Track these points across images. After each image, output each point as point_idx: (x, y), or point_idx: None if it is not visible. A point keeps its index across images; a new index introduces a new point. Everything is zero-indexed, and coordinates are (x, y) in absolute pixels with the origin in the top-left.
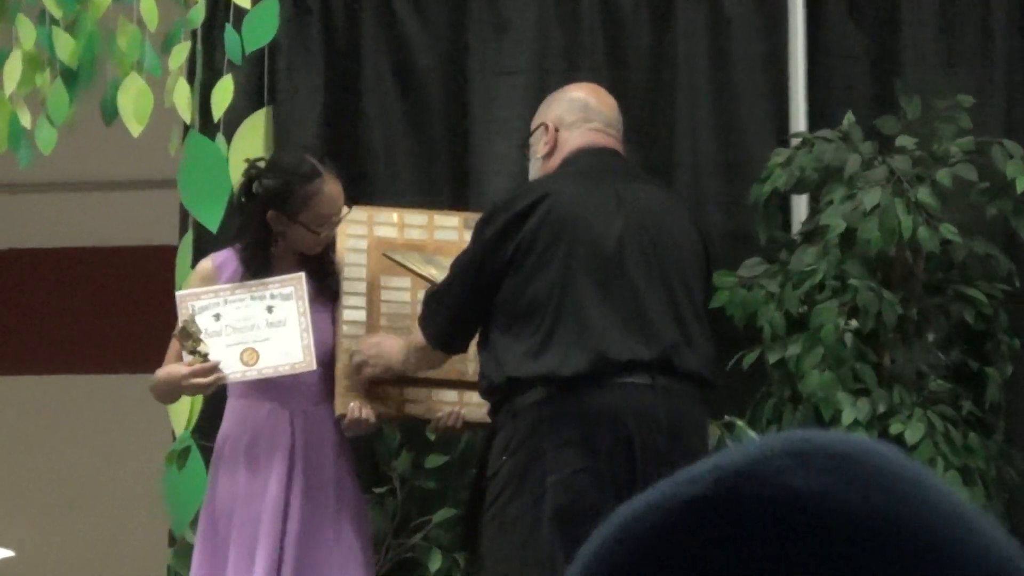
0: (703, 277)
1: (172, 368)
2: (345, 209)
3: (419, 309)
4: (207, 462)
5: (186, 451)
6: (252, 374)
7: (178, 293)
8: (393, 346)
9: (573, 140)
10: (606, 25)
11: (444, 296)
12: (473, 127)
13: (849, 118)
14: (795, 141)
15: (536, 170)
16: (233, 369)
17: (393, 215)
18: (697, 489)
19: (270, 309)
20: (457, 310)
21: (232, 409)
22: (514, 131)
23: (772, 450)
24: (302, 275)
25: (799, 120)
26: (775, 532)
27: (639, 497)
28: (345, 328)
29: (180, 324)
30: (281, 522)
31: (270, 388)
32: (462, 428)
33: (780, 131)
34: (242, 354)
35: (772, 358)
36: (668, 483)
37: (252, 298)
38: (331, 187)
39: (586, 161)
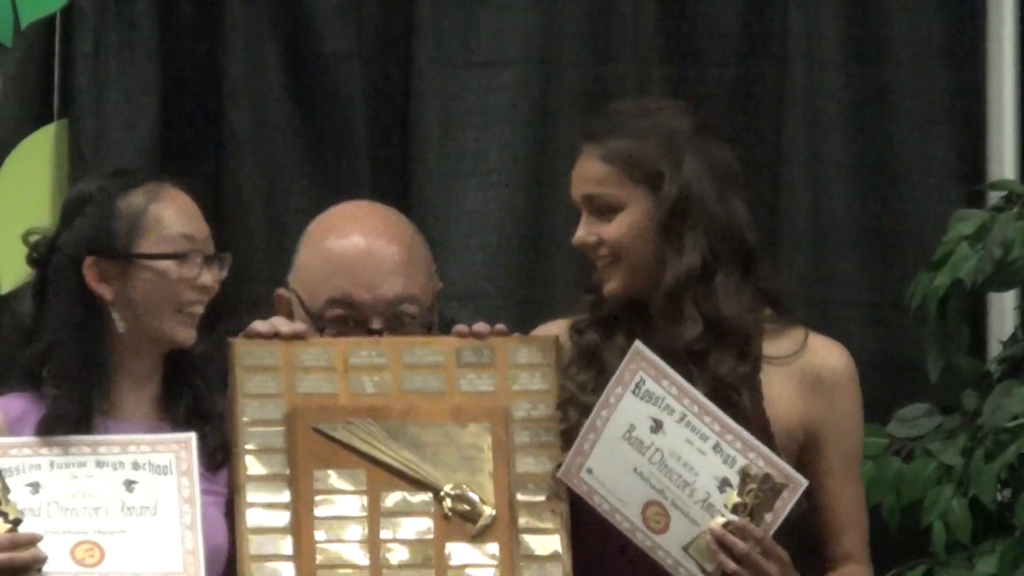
0: None
1: None
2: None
3: (384, 529)
4: None
5: None
6: None
7: None
8: None
9: None
10: None
11: None
12: (420, 161)
13: None
14: (995, 197)
15: None
16: (59, 569)
17: (329, 352)
18: None
19: (130, 486)
20: None
21: None
22: (494, 170)
23: None
24: (192, 437)
25: (1003, 160)
26: None
27: None
28: (253, 568)
29: None
30: None
31: None
32: None
33: (968, 179)
34: (74, 548)
35: None
36: None
37: (99, 465)
38: (176, 194)
39: None
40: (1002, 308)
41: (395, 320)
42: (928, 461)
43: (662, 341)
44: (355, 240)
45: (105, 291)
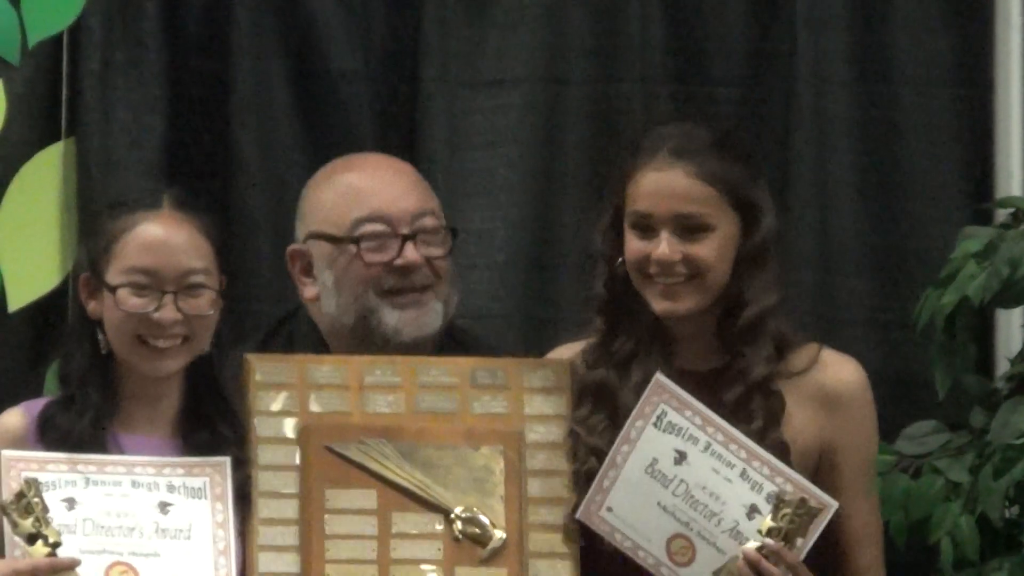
0: None
1: None
2: (209, 277)
3: (394, 551)
4: None
5: None
6: None
7: (5, 453)
8: None
9: None
10: (666, 7)
11: None
12: (427, 179)
13: None
14: (1002, 214)
15: None
16: None
17: (343, 370)
18: None
19: (164, 508)
20: None
21: None
22: (501, 189)
23: None
24: (226, 461)
25: (1010, 178)
26: None
27: None
28: None
29: (11, 494)
30: None
31: None
32: None
33: (975, 197)
34: (109, 570)
35: None
36: None
37: (135, 485)
38: (161, 228)
39: None
40: (1009, 325)
41: (420, 231)
42: (936, 478)
43: (683, 366)
44: (368, 168)
45: (94, 309)
